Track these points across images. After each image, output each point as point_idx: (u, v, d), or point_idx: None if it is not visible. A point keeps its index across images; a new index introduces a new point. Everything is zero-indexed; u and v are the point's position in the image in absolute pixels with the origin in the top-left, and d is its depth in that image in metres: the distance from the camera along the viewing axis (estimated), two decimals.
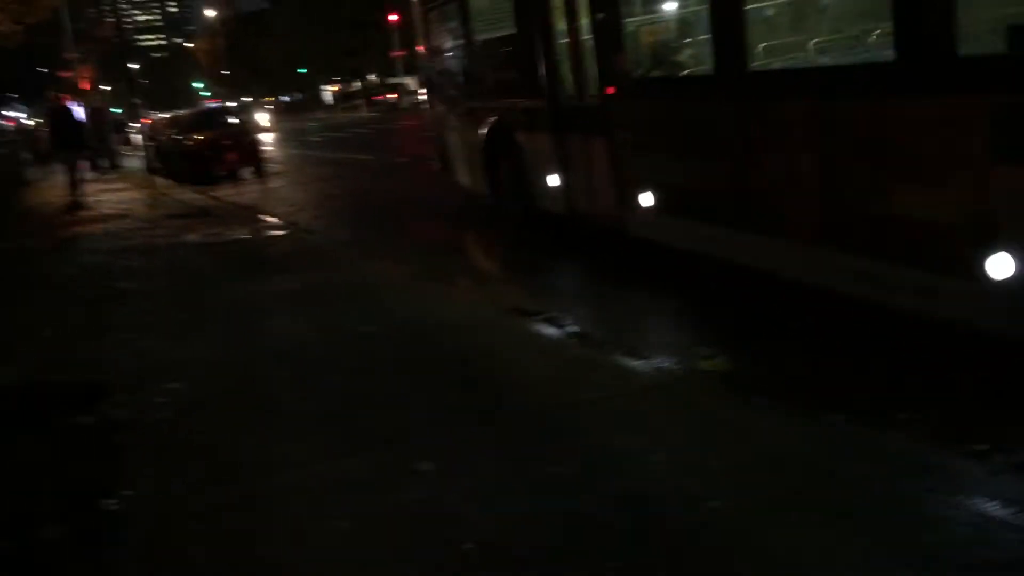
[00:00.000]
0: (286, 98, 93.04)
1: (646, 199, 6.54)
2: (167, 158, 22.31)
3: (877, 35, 4.80)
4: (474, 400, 4.52)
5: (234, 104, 63.04)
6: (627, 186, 6.77)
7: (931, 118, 3.96)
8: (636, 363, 4.81)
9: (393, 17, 45.22)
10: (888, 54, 4.12)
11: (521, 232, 9.21)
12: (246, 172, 20.97)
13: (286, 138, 39.09)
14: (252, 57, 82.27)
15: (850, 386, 4.36)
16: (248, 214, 13.49)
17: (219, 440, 4.39)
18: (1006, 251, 3.71)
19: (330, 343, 5.87)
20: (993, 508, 2.95)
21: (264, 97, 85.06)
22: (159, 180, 20.22)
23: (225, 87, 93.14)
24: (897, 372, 4.47)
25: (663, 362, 4.81)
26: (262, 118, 48.82)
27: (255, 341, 6.11)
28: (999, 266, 3.73)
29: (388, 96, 56.93)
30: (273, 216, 12.89)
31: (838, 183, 4.60)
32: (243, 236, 10.98)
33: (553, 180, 8.02)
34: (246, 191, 17.91)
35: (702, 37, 5.95)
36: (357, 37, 63.79)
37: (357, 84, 74.32)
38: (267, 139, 33.76)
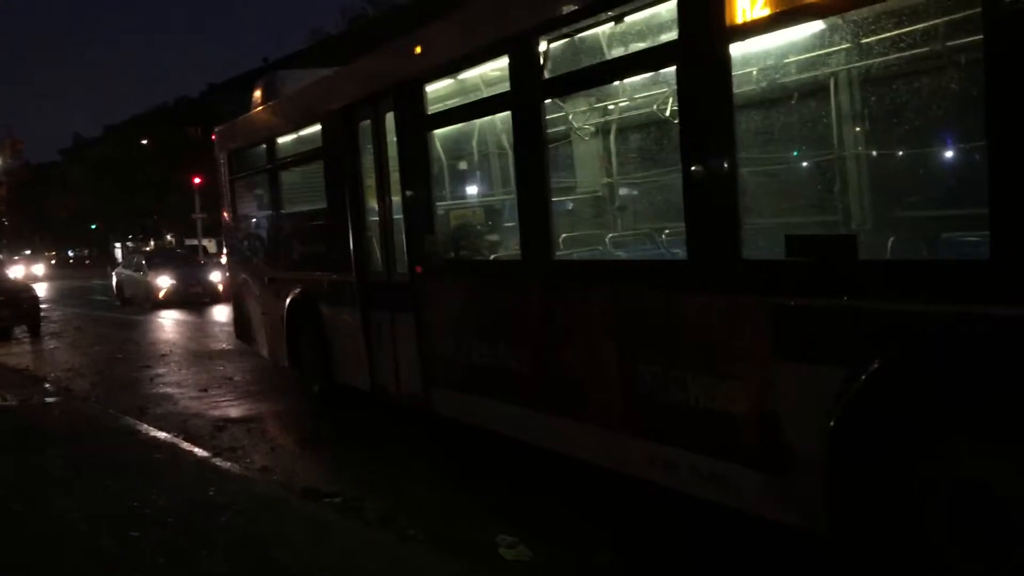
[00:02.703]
0: (71, 253, 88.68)
1: (451, 379, 6.52)
2: None
3: (671, 233, 5.15)
4: None
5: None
6: (433, 365, 6.74)
7: (717, 314, 4.20)
8: (439, 554, 4.64)
9: (196, 180, 44.52)
10: (680, 252, 4.39)
11: (322, 407, 8.93)
12: (19, 331, 19.46)
13: (69, 295, 36.78)
14: (38, 209, 78.19)
15: None
16: (17, 377, 12.38)
17: None
18: (780, 444, 3.91)
19: (100, 529, 5.32)
20: None
21: (47, 251, 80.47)
22: None
23: (4, 238, 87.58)
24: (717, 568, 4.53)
25: (466, 552, 4.66)
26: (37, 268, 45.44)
27: (11, 529, 5.44)
28: (781, 457, 3.92)
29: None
30: (46, 380, 11.91)
31: (635, 371, 4.76)
32: (9, 403, 10.00)
33: (357, 356, 7.89)
34: (18, 351, 16.54)
35: (509, 224, 6.17)
36: (156, 196, 62.17)
37: (151, 244, 71.91)
38: (43, 295, 31.65)
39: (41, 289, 29.45)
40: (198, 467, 6.75)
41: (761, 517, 4.11)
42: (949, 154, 4.47)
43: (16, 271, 40.88)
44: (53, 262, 63.73)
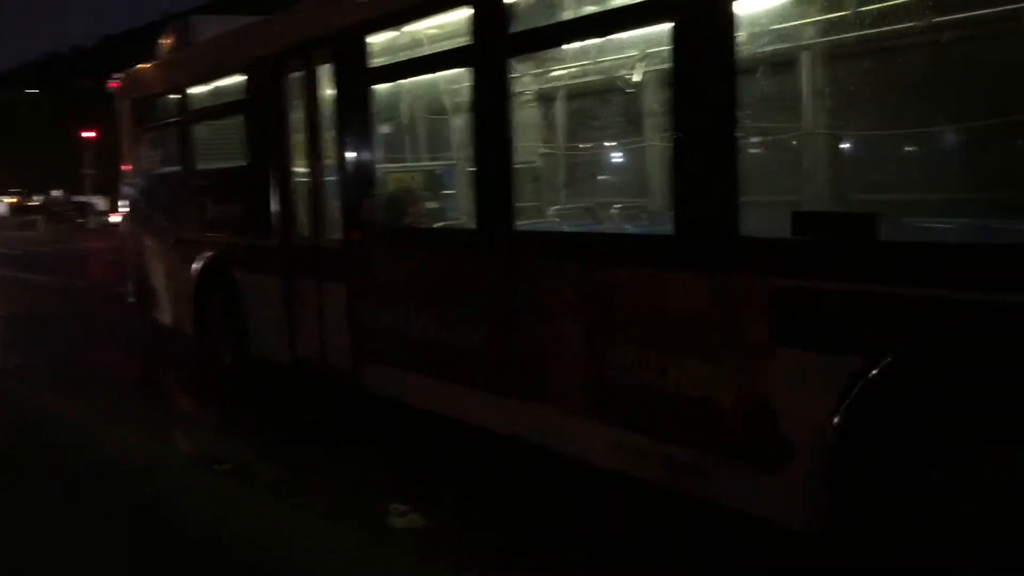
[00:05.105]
0: None
1: (386, 355, 6.06)
2: None
3: (660, 206, 4.79)
4: (148, 565, 4.18)
5: None
6: (366, 339, 6.25)
7: (709, 295, 3.86)
8: (328, 523, 4.65)
9: (89, 134, 42.27)
10: (668, 227, 4.03)
11: (232, 379, 8.33)
12: None
13: None
14: None
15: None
16: None
17: None
18: (774, 438, 3.62)
19: None
20: None
21: None
22: None
23: None
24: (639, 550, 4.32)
25: (356, 520, 4.67)
26: None
27: None
28: (775, 452, 3.62)
29: None
30: None
31: (606, 353, 4.39)
32: None
33: (277, 327, 7.32)
34: None
35: (461, 190, 5.72)
36: (42, 148, 58.95)
37: (37, 198, 68.22)
38: None
39: None
40: (86, 431, 6.52)
41: (746, 514, 3.81)
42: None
43: None
44: None
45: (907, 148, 4.74)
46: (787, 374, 3.55)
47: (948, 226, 4.11)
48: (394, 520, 4.69)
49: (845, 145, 5.01)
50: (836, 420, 3.31)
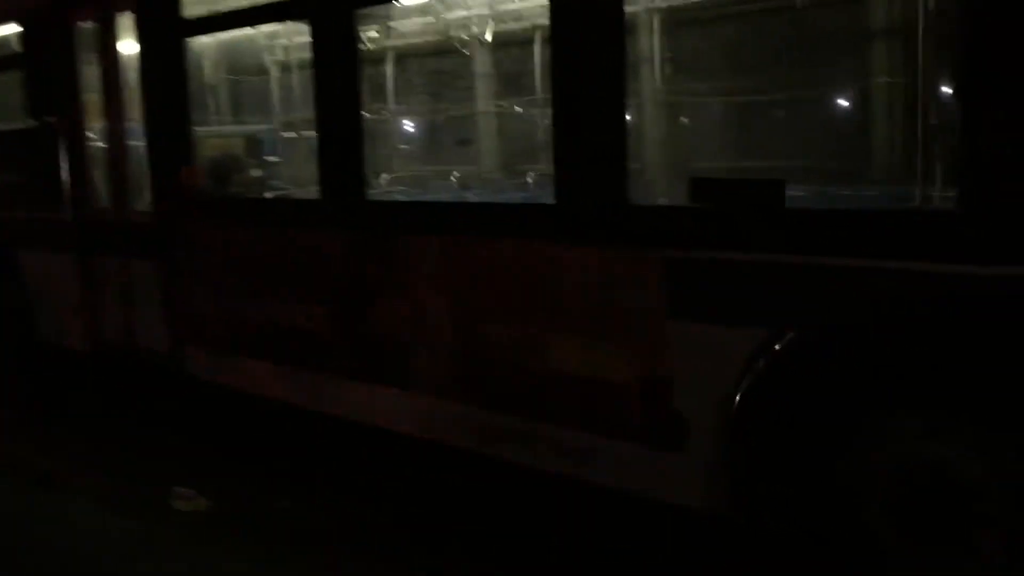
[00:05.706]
0: None
1: (212, 338, 5.48)
2: None
3: (538, 174, 4.53)
4: None
5: None
6: (186, 322, 5.63)
7: (597, 269, 3.64)
8: (106, 510, 4.48)
9: None
10: (548, 195, 3.78)
11: (14, 370, 7.39)
12: None
13: None
14: None
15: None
16: None
17: None
18: (668, 413, 3.49)
19: None
20: None
21: None
22: None
23: None
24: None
25: (137, 508, 4.48)
26: None
27: None
28: (673, 432, 3.49)
29: None
30: None
31: (481, 332, 4.10)
32: None
33: (74, 310, 6.49)
34: None
35: (296, 156, 5.21)
36: None
37: None
38: None
39: None
40: None
41: (644, 497, 3.66)
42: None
43: None
44: None
45: (751, 117, 4.76)
46: (683, 350, 3.40)
47: (801, 194, 4.13)
48: (178, 504, 4.52)
49: (688, 113, 4.97)
50: (737, 397, 3.20)
